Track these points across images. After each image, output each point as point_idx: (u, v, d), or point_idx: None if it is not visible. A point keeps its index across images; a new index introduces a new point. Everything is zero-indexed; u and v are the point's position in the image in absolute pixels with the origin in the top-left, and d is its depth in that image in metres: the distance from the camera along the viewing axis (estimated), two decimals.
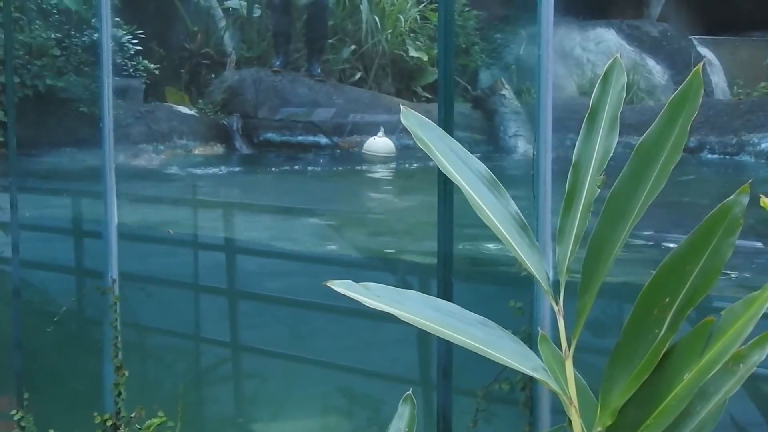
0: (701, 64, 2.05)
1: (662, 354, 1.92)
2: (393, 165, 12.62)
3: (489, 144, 13.41)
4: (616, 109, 2.16)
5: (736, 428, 3.45)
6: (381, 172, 12.60)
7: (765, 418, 3.64)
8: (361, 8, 15.11)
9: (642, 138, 2.02)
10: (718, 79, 15.00)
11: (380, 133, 12.81)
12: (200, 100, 14.31)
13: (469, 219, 2.28)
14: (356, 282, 1.99)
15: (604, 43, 15.90)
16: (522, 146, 13.15)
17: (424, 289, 4.86)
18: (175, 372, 5.65)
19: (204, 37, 15.56)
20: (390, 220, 8.65)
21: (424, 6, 15.72)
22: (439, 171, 2.22)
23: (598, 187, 2.11)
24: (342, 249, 7.65)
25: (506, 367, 2.00)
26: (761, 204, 1.56)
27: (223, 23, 15.94)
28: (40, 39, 12.31)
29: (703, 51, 16.53)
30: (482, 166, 2.23)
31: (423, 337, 4.54)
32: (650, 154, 2.01)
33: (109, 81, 4.36)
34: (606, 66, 2.21)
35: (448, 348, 3.21)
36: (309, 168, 12.85)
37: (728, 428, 3.36)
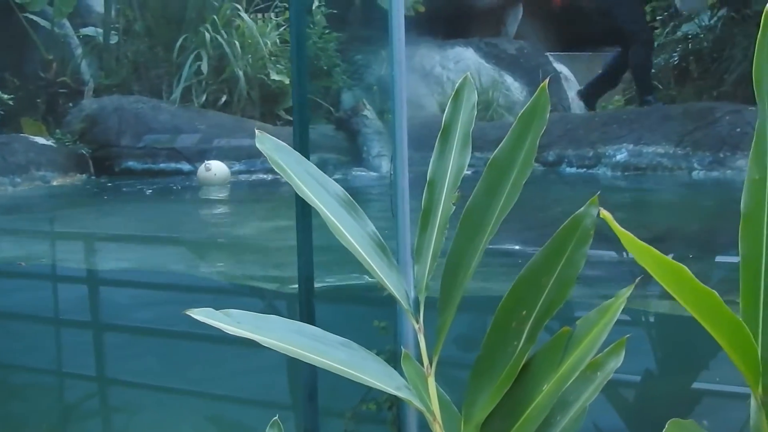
0: (547, 80, 2.10)
1: (522, 366, 1.95)
2: (260, 189, 12.55)
3: (353, 164, 13.44)
4: (468, 127, 2.19)
5: None
6: (246, 196, 12.53)
7: (625, 423, 3.73)
8: (221, 32, 14.99)
9: (494, 154, 2.06)
10: (575, 94, 15.33)
11: (207, 163, 12.47)
12: (58, 130, 13.97)
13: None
14: (218, 309, 1.97)
15: (464, 61, 16.11)
16: (385, 166, 13.20)
17: (292, 315, 4.84)
18: (40, 410, 5.48)
19: (60, 65, 15.24)
20: (257, 245, 8.58)
21: (284, 29, 15.68)
22: (297, 195, 2.21)
23: (453, 204, 2.13)
24: (209, 276, 7.56)
25: (372, 387, 2.00)
26: (601, 216, 1.61)
27: (79, 51, 15.64)
28: None
29: (559, 67, 16.94)
30: (339, 188, 2.23)
31: (292, 362, 4.52)
32: (503, 169, 2.05)
33: None
34: (456, 85, 2.24)
35: (312, 371, 3.20)
36: (171, 196, 12.64)
37: None
